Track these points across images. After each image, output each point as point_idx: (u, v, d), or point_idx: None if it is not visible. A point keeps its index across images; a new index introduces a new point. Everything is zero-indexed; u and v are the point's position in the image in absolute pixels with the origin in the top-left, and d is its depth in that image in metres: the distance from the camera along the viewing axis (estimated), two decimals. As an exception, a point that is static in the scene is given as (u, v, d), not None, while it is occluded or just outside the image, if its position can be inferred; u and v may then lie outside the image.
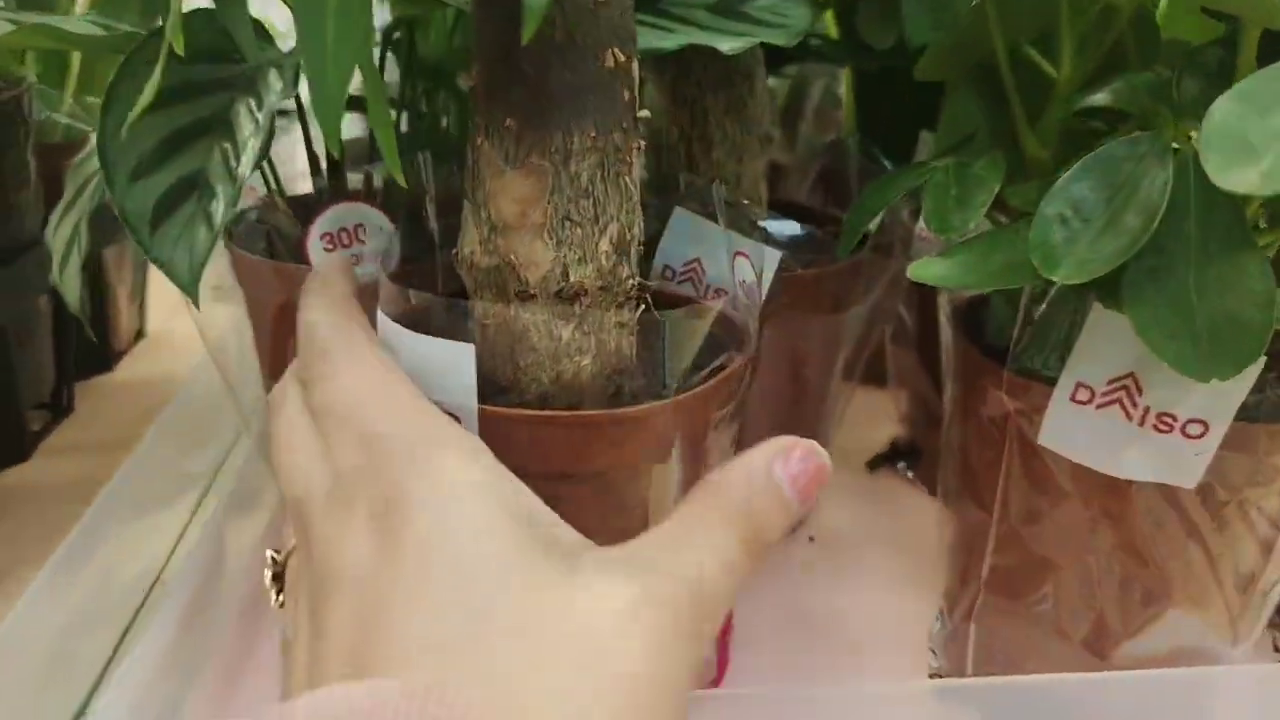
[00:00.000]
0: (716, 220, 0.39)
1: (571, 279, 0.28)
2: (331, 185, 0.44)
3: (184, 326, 0.61)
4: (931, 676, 0.38)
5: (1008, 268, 0.28)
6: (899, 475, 0.53)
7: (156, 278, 0.70)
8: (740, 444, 0.43)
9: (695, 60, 0.41)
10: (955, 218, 0.30)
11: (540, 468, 0.26)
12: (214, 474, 0.54)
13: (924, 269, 0.30)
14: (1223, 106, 0.22)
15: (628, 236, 0.28)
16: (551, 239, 0.27)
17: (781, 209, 0.47)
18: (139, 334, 0.67)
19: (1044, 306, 0.30)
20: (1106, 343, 0.28)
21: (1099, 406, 0.29)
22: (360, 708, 0.17)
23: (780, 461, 0.23)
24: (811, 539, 0.47)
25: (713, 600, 0.21)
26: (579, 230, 0.27)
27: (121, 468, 0.45)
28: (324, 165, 0.44)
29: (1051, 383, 0.30)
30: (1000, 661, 0.35)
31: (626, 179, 0.28)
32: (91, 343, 0.56)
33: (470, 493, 0.22)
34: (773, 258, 0.38)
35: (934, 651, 0.39)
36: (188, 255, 0.29)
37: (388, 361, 0.26)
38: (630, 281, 0.28)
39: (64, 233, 0.38)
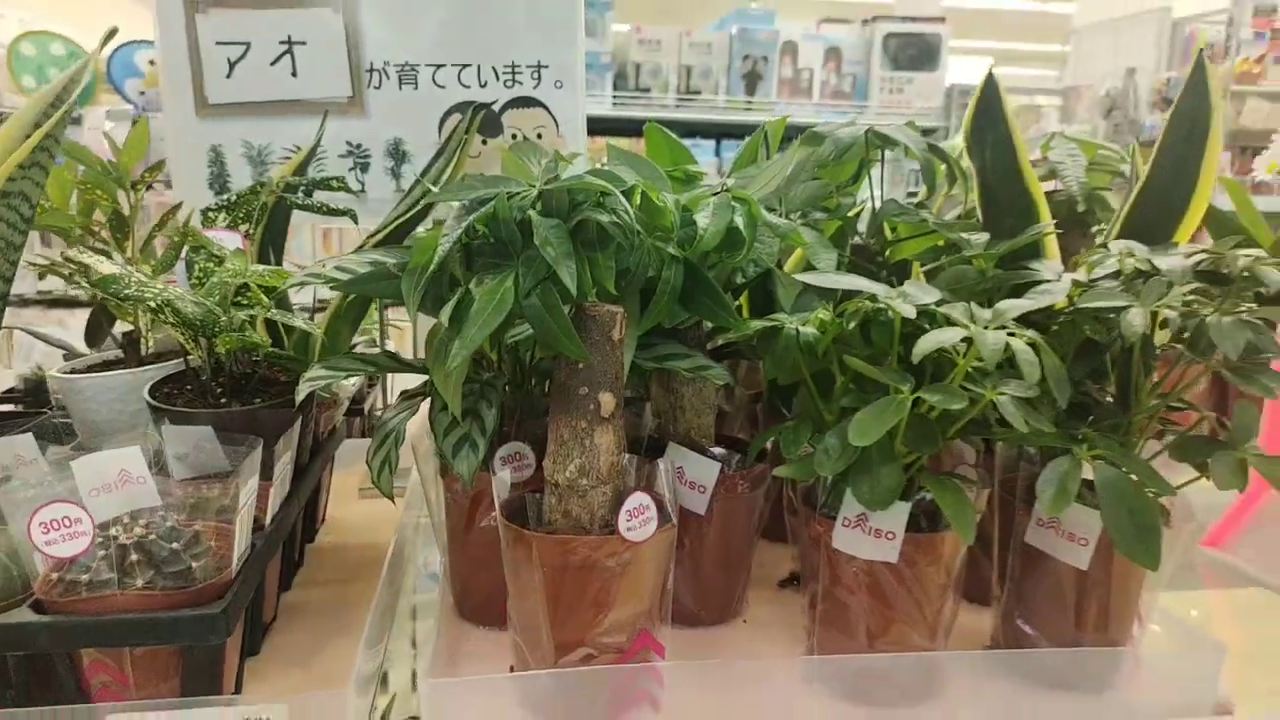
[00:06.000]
0: (687, 448, 0.80)
1: (556, 478, 0.67)
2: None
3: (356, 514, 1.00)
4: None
5: (808, 467, 0.69)
6: (796, 589, 0.91)
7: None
8: (706, 564, 0.82)
9: (677, 374, 0.82)
10: (789, 451, 0.71)
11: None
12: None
13: (780, 470, 0.71)
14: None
15: (588, 468, 0.67)
16: (550, 460, 0.67)
17: (724, 440, 0.88)
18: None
19: (829, 485, 0.70)
20: (852, 500, 0.68)
21: (852, 528, 0.69)
22: None
23: None
24: (744, 621, 0.85)
25: None
26: (561, 455, 0.67)
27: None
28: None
29: (834, 519, 0.69)
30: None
31: (590, 442, 0.67)
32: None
33: None
34: (713, 467, 0.78)
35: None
36: (466, 469, 0.69)
37: None
38: (595, 490, 0.67)
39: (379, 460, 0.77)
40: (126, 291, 0.74)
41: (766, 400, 0.97)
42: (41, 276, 0.98)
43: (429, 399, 0.76)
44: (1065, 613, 0.74)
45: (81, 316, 1.06)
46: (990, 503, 0.79)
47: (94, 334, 1.04)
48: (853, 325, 0.71)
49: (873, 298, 0.69)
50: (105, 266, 0.76)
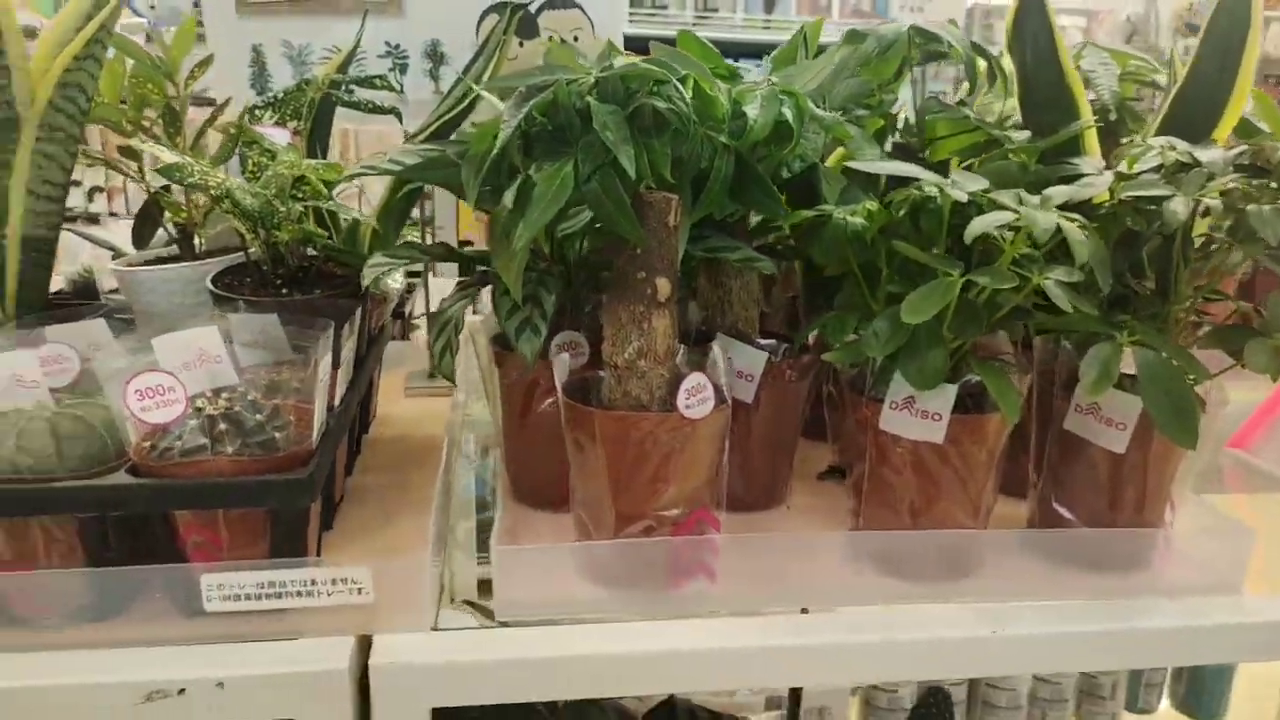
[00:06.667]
0: (735, 339, 0.82)
1: (615, 360, 0.70)
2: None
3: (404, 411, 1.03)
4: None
5: (856, 351, 0.71)
6: (835, 481, 0.94)
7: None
8: (753, 451, 0.84)
9: (724, 266, 0.84)
10: (836, 338, 0.74)
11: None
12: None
13: (830, 355, 0.73)
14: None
15: (645, 350, 0.70)
16: (609, 342, 0.70)
17: (766, 335, 0.90)
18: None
19: (876, 370, 0.73)
20: (902, 383, 0.71)
21: (899, 410, 0.71)
22: None
23: None
24: (788, 507, 0.88)
25: None
26: (620, 337, 0.69)
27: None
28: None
29: (882, 401, 0.72)
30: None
31: (647, 325, 0.69)
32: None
33: None
34: (761, 356, 0.81)
35: (847, 544, 0.80)
36: (529, 350, 0.71)
37: None
38: (653, 372, 0.70)
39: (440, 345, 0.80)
40: (190, 180, 0.76)
41: (804, 299, 0.99)
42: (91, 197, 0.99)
43: (488, 288, 0.78)
44: (1101, 496, 0.77)
45: (105, 231, 1.08)
46: (1028, 395, 0.82)
47: (142, 232, 1.06)
48: (902, 213, 0.72)
49: (920, 185, 0.71)
50: (167, 155, 0.78)
